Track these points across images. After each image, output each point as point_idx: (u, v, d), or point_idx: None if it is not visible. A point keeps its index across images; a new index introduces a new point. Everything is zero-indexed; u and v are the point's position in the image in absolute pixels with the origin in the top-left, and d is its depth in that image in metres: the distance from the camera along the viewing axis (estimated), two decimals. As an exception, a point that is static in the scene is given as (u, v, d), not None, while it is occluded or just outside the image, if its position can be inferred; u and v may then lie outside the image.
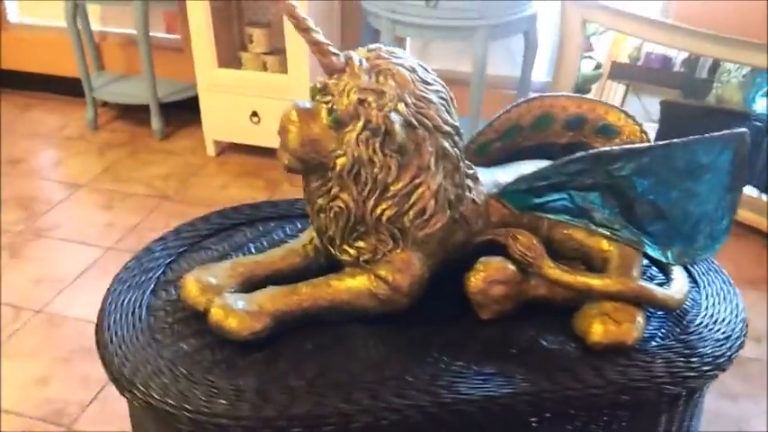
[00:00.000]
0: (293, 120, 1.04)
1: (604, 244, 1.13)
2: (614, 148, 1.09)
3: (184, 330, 1.10)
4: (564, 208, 1.15)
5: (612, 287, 1.07)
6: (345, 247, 1.10)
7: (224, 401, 0.95)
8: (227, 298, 1.08)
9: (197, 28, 2.59)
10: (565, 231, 1.15)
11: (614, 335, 1.05)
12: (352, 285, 1.10)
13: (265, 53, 2.70)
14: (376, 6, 2.47)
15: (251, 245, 1.32)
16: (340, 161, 1.04)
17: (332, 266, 1.17)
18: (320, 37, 1.04)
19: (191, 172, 2.76)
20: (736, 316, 1.15)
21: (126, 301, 1.15)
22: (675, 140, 1.07)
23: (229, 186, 2.68)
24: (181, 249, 1.29)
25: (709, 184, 1.12)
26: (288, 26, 2.51)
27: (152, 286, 1.19)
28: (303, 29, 1.03)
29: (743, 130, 1.09)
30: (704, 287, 1.22)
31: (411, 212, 1.06)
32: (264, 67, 2.70)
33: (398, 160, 1.04)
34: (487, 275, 1.11)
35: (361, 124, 1.02)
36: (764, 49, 2.36)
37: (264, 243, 1.32)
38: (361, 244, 1.09)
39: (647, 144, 1.08)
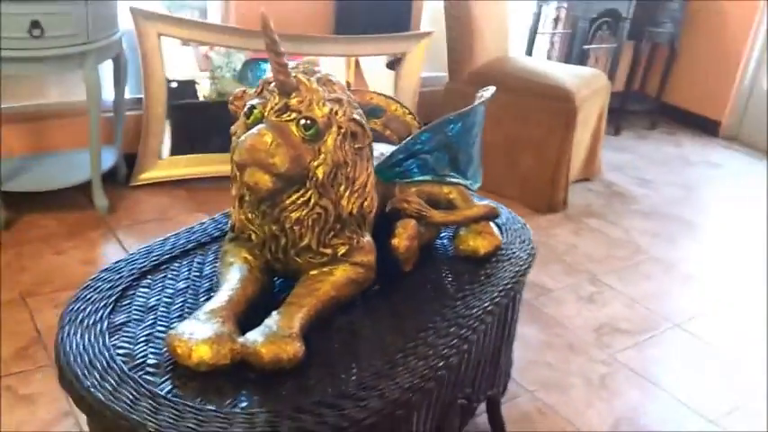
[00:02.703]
0: (276, 141, 1.07)
1: (446, 189, 1.50)
2: (450, 114, 1.46)
3: (225, 391, 1.02)
4: (417, 170, 1.46)
5: (480, 212, 1.47)
6: (321, 249, 1.19)
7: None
8: (258, 336, 1.06)
9: None
10: (415, 188, 1.47)
11: (492, 243, 1.47)
12: (334, 280, 1.21)
13: None
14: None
15: (159, 298, 1.21)
16: (320, 170, 1.13)
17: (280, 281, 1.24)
18: (285, 59, 1.09)
19: None
20: (521, 218, 1.68)
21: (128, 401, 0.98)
22: (480, 101, 1.50)
23: None
24: (100, 331, 1.10)
25: (480, 131, 1.60)
26: None
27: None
28: (277, 52, 1.06)
29: (493, 88, 1.60)
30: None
31: (367, 200, 1.23)
32: None
33: (360, 156, 1.19)
34: (408, 234, 1.36)
35: (335, 130, 1.13)
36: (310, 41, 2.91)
37: (168, 291, 1.23)
38: (336, 241, 1.20)
39: (468, 108, 1.48)
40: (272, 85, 1.13)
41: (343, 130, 1.15)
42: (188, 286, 1.26)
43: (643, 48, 4.05)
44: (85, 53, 2.25)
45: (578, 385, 1.91)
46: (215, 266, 1.32)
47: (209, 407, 0.98)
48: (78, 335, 1.09)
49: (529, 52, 3.74)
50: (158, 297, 1.21)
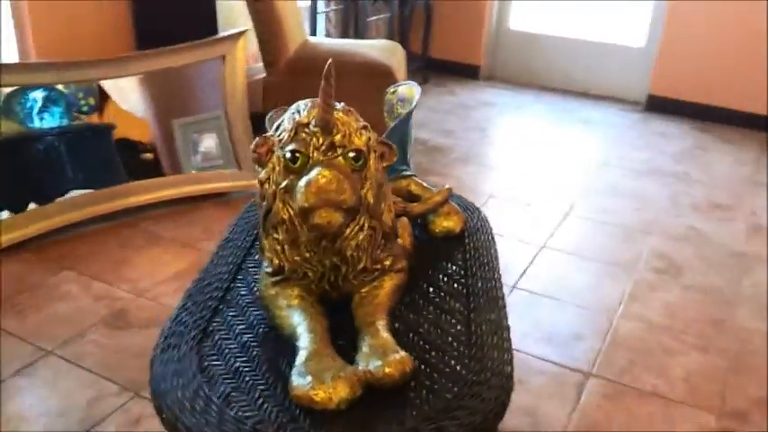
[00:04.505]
0: (338, 178, 1.11)
1: (404, 182, 1.64)
2: (403, 114, 1.58)
3: (369, 420, 1.08)
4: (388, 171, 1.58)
5: (444, 196, 1.63)
6: (374, 266, 1.27)
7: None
8: (374, 360, 1.12)
9: None
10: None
11: (461, 219, 1.65)
12: (386, 291, 1.30)
13: None
14: None
15: (233, 361, 1.19)
16: (369, 194, 1.21)
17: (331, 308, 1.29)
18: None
19: None
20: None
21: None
22: (418, 96, 1.64)
23: None
24: (219, 409, 1.07)
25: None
26: None
27: None
28: (329, 94, 1.10)
29: (415, 83, 1.74)
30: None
31: (393, 210, 1.32)
32: None
33: (385, 172, 1.28)
34: (408, 232, 1.49)
35: (372, 155, 1.21)
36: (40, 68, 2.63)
37: (234, 352, 1.22)
38: (383, 255, 1.29)
39: (414, 105, 1.61)
40: (312, 125, 1.16)
41: (377, 153, 1.23)
42: (246, 342, 1.24)
43: (406, 13, 4.42)
44: None
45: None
46: (252, 316, 1.31)
47: (375, 437, 1.04)
48: (203, 420, 1.05)
49: (313, 32, 3.88)
50: (232, 361, 1.19)
